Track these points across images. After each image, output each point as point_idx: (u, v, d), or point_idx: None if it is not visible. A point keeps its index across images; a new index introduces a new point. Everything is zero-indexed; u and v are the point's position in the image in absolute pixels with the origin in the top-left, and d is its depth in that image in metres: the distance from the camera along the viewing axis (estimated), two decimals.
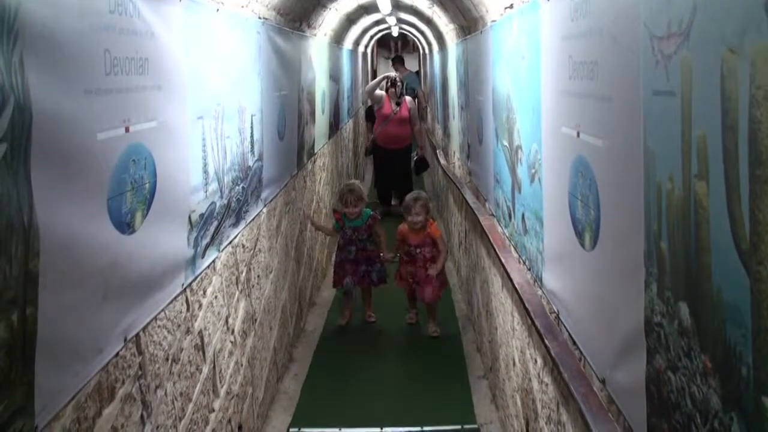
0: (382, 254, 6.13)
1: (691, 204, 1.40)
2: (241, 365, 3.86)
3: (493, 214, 4.47)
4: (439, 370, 5.15)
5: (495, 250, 3.94)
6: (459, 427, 4.32)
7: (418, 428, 4.31)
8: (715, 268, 1.32)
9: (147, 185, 2.34)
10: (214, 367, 3.32)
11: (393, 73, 9.96)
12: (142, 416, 2.43)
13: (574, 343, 2.46)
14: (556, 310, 2.69)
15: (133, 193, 2.21)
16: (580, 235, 2.28)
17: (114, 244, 2.09)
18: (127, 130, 2.15)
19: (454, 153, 7.61)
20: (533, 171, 3.04)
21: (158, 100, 2.44)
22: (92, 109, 1.91)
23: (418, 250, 5.90)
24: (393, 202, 10.28)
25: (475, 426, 4.36)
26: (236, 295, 3.78)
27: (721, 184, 1.26)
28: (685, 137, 1.41)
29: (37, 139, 1.61)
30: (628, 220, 1.79)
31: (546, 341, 2.61)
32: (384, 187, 10.48)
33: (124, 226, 2.16)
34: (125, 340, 2.24)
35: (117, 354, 2.20)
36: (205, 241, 3.07)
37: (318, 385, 4.98)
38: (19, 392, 1.61)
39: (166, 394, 2.65)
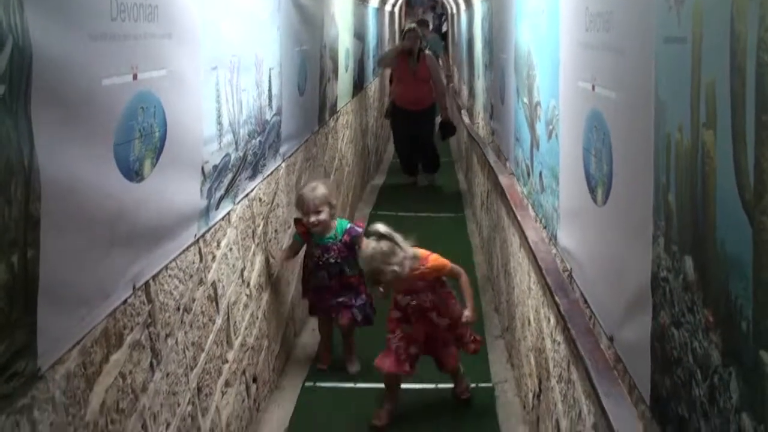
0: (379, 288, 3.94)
1: (699, 154, 1.36)
2: (257, 318, 3.87)
3: (512, 173, 4.44)
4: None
5: (513, 210, 3.91)
6: (474, 385, 4.32)
7: (433, 385, 4.30)
8: (719, 220, 1.29)
9: (156, 134, 2.32)
10: (228, 318, 3.33)
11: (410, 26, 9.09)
12: (151, 363, 2.44)
13: (585, 301, 2.43)
14: (568, 268, 2.66)
15: (141, 141, 2.20)
16: (593, 190, 2.25)
17: (121, 191, 2.08)
18: (135, 77, 2.14)
19: (479, 113, 7.55)
20: (551, 127, 3.00)
21: (168, 49, 2.42)
22: (97, 54, 1.89)
23: (410, 300, 3.83)
24: (419, 175, 9.58)
25: (490, 384, 4.35)
26: (252, 249, 3.78)
27: (728, 132, 1.22)
28: (694, 85, 1.37)
29: (37, 81, 1.59)
30: (639, 173, 1.75)
31: (557, 299, 2.59)
32: (406, 154, 9.59)
33: (132, 173, 2.15)
34: (134, 287, 2.25)
35: (125, 301, 2.20)
36: (219, 193, 3.06)
37: (335, 342, 4.99)
38: (20, 333, 1.61)
39: (177, 343, 2.66)
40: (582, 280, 2.47)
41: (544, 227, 3.21)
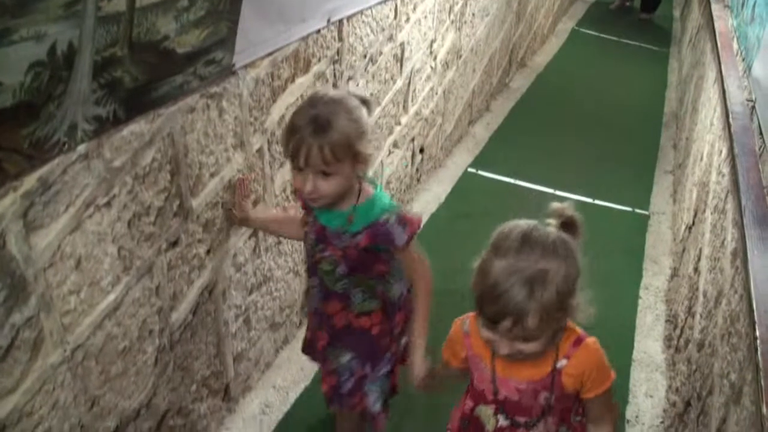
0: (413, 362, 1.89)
1: None
2: (436, 93, 3.99)
3: (727, 6, 4.22)
4: (629, 158, 5.10)
5: (717, 43, 3.76)
6: (630, 209, 4.35)
7: (590, 200, 4.36)
8: None
9: None
10: (409, 84, 3.46)
11: None
12: None
13: (761, 133, 2.39)
14: (753, 99, 2.60)
15: None
16: None
17: None
18: None
19: None
20: None
21: None
22: None
23: (504, 420, 1.63)
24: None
25: (647, 213, 4.37)
26: (446, 24, 3.84)
27: None
28: None
29: None
30: None
31: (732, 128, 2.55)
32: None
33: None
34: (328, 21, 2.39)
35: (318, 31, 2.36)
36: None
37: (506, 139, 5.09)
38: (223, 26, 1.78)
39: (357, 86, 2.82)
40: (763, 110, 2.42)
41: (743, 59, 3.10)
